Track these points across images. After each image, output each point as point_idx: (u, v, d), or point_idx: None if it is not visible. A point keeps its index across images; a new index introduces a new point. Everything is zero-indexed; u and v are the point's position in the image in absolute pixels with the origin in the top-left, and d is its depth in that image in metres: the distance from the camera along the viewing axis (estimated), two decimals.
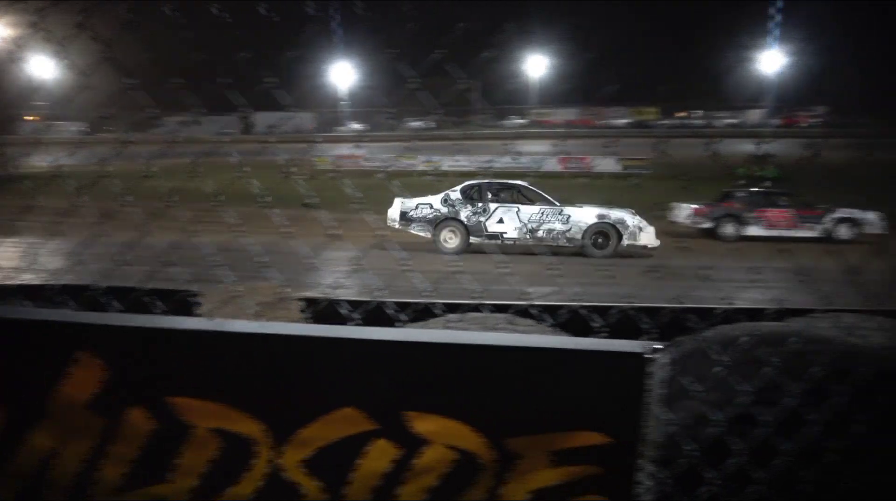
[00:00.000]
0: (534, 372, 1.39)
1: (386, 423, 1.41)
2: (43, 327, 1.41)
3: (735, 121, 42.81)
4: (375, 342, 1.39)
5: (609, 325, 1.61)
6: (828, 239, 14.20)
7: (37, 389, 1.40)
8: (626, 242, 11.62)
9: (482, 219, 11.91)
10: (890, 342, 1.69)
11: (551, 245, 11.74)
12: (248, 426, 1.39)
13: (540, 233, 11.84)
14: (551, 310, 1.80)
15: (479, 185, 12.41)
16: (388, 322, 1.66)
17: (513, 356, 1.39)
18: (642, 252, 11.78)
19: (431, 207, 11.99)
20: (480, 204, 11.99)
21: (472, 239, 11.87)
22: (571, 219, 11.87)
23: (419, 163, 28.76)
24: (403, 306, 1.73)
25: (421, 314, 1.79)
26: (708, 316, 1.75)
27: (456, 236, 12.00)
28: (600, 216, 11.82)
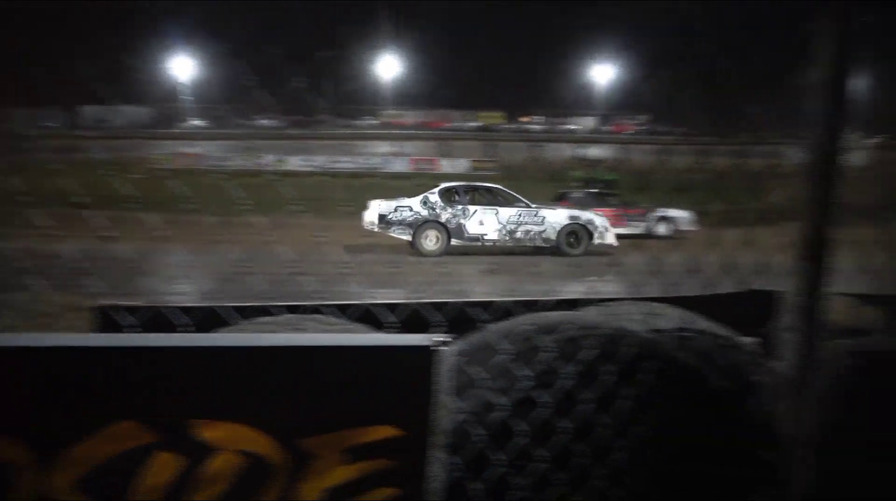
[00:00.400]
0: (324, 371, 1.40)
1: (169, 434, 1.34)
2: None
3: (573, 127, 46.02)
4: (152, 350, 1.32)
5: (402, 320, 1.66)
6: (649, 235, 15.79)
7: None
8: (596, 240, 12.23)
9: (462, 221, 11.95)
10: (651, 325, 1.91)
11: (528, 246, 12.01)
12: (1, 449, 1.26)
13: (518, 234, 12.13)
14: (343, 308, 1.83)
15: (456, 187, 12.50)
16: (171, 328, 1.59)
17: (301, 357, 1.39)
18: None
19: (411, 209, 11.93)
20: (460, 206, 11.99)
21: (454, 241, 11.88)
22: (546, 220, 12.26)
23: (268, 162, 27.81)
24: (187, 311, 1.66)
25: (206, 318, 1.73)
26: (489, 308, 1.88)
27: (437, 238, 11.98)
28: (572, 217, 12.36)
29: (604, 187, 17.22)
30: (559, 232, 12.31)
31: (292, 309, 1.87)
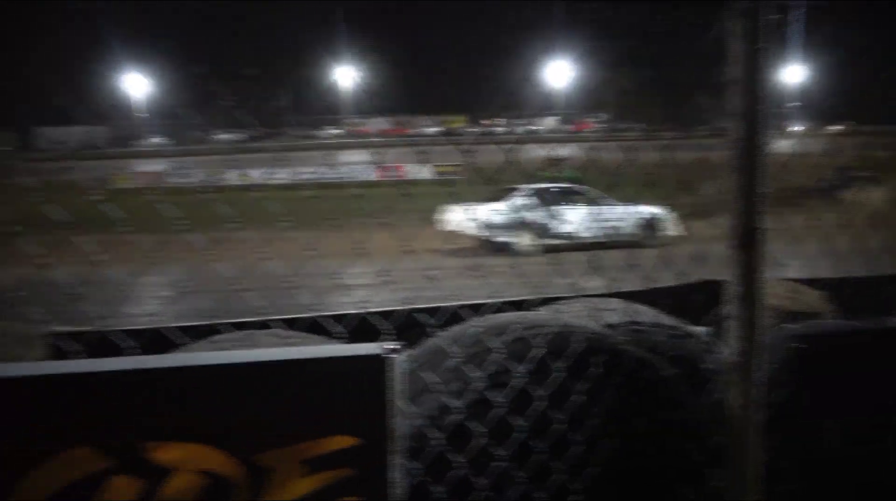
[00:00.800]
0: (278, 385, 1.41)
1: (124, 457, 1.34)
2: None
3: (534, 128, 46.44)
4: (100, 375, 1.32)
5: (351, 331, 1.68)
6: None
7: None
8: (662, 232, 12.45)
9: (552, 220, 12.16)
10: (603, 321, 1.96)
11: (613, 240, 12.19)
12: None
13: (604, 229, 12.35)
14: (290, 322, 1.84)
15: (545, 189, 13.01)
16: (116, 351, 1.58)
17: (254, 372, 1.40)
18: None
19: (503, 212, 12.25)
20: (549, 207, 12.23)
21: (546, 240, 12.03)
22: (625, 215, 12.53)
23: (232, 177, 27.47)
24: (133, 334, 1.65)
25: (153, 340, 1.72)
26: (437, 313, 1.91)
27: (531, 238, 12.33)
28: (641, 212, 12.71)
29: (569, 185, 17.49)
30: (637, 225, 12.93)
31: (238, 326, 1.87)
